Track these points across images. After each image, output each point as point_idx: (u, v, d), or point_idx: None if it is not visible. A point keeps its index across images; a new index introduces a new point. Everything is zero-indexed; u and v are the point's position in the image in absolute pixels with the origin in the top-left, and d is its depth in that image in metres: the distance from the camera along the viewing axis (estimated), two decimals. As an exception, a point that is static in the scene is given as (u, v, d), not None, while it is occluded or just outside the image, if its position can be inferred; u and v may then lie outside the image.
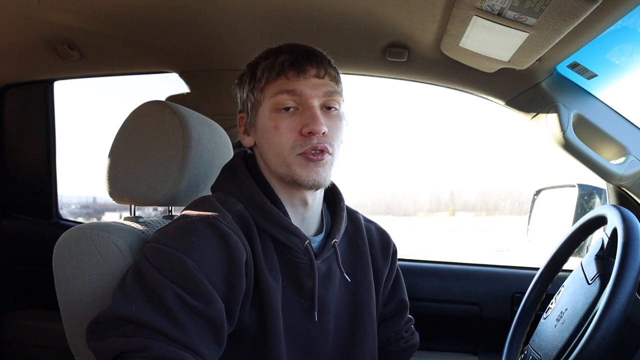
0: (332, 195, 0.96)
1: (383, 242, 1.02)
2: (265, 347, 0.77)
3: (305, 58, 0.82)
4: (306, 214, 0.88)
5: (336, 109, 0.85)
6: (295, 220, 0.86)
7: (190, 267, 0.69)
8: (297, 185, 0.82)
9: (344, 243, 0.94)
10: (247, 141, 0.89)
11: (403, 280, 1.06)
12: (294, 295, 0.83)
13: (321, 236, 0.90)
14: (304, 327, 0.83)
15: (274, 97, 0.82)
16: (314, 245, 0.87)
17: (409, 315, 1.08)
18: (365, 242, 0.98)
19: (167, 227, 0.77)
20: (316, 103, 0.82)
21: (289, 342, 0.81)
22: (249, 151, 0.93)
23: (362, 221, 1.01)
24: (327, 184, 0.85)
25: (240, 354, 0.78)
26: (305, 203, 0.87)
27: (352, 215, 1.00)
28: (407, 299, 1.06)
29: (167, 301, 0.66)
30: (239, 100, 0.91)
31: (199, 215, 0.76)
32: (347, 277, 0.89)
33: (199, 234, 0.73)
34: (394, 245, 1.04)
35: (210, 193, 1.00)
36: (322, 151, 0.82)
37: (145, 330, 0.65)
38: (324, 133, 0.80)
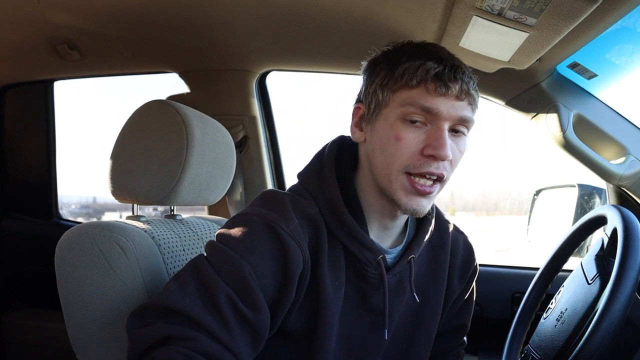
0: None
1: (465, 260, 0.94)
2: (310, 353, 0.76)
3: (452, 72, 0.73)
4: (389, 224, 0.83)
5: (464, 134, 0.77)
6: (375, 228, 0.82)
7: (247, 272, 0.68)
8: (394, 205, 0.76)
9: (423, 256, 0.89)
10: (358, 136, 0.81)
11: (473, 305, 1.00)
12: (357, 307, 0.80)
13: (399, 248, 0.84)
14: (362, 340, 0.80)
15: (404, 106, 0.73)
16: (390, 256, 0.82)
17: (464, 339, 1.02)
18: (447, 258, 0.91)
19: (231, 225, 0.74)
20: (447, 126, 0.74)
21: (342, 352, 0.79)
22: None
23: (450, 232, 0.93)
24: (426, 212, 0.78)
25: (278, 355, 0.78)
26: (393, 217, 0.81)
27: (442, 224, 0.92)
28: (468, 324, 0.99)
29: (221, 303, 0.66)
30: (362, 87, 0.82)
31: (264, 217, 0.73)
32: (416, 296, 0.83)
33: (260, 237, 0.71)
34: (476, 265, 0.96)
35: (214, 192, 0.99)
36: (435, 182, 0.75)
37: (194, 325, 0.65)
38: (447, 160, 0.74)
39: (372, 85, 0.79)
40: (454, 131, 0.76)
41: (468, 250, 0.96)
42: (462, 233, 0.97)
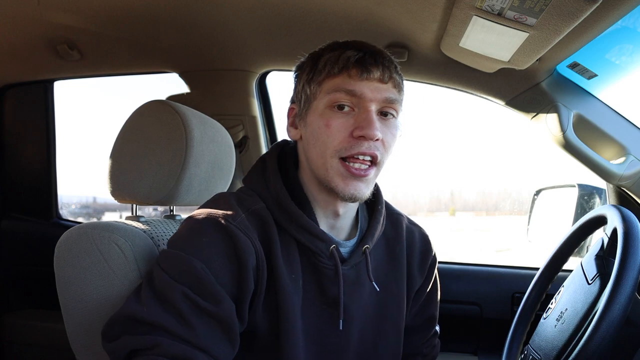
0: (372, 196, 0.87)
1: (423, 251, 0.96)
2: (279, 351, 0.76)
3: (372, 58, 0.77)
4: (336, 223, 0.84)
5: (393, 116, 0.80)
6: (324, 223, 0.83)
7: (198, 268, 0.69)
8: (333, 194, 0.78)
9: (380, 249, 0.90)
10: (293, 134, 0.85)
11: (438, 294, 1.01)
12: (316, 301, 0.80)
13: (354, 241, 0.86)
14: (323, 335, 0.81)
15: (331, 94, 0.77)
16: (345, 250, 0.84)
17: (436, 329, 1.03)
18: (403, 249, 0.92)
19: (180, 228, 0.77)
20: (374, 107, 0.77)
21: (308, 347, 0.79)
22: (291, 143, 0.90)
23: (404, 225, 0.95)
24: (366, 198, 0.80)
25: (251, 356, 0.78)
26: (336, 214, 0.83)
27: (395, 217, 0.95)
28: (437, 314, 1.01)
29: (177, 302, 0.67)
30: (293, 89, 0.86)
31: (209, 215, 0.75)
32: (375, 286, 0.84)
33: (208, 234, 0.73)
34: (434, 255, 0.98)
35: (213, 192, 0.99)
36: (369, 166, 0.77)
37: (156, 330, 0.66)
38: (377, 139, 0.76)
39: (300, 83, 0.83)
40: (382, 114, 0.79)
41: (424, 241, 0.97)
42: (416, 225, 0.99)
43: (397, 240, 0.93)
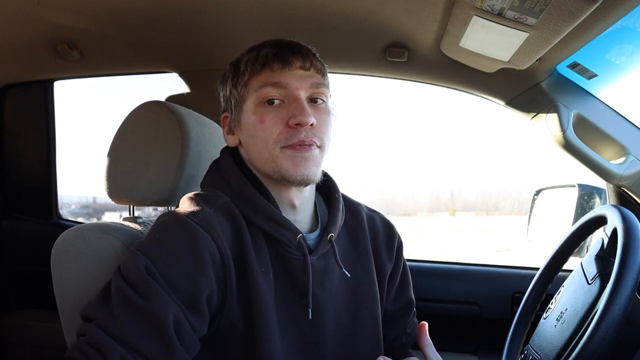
0: (327, 187, 0.92)
1: (387, 235, 0.97)
2: (256, 346, 0.75)
3: (290, 50, 0.81)
4: (295, 217, 0.85)
5: (323, 101, 0.83)
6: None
7: (140, 265, 0.69)
8: (285, 181, 0.80)
9: (343, 237, 0.91)
10: (232, 140, 0.87)
11: (410, 276, 1.03)
12: (288, 292, 0.80)
13: (317, 232, 0.87)
14: (298, 325, 0.81)
15: (258, 90, 0.80)
16: (310, 242, 0.84)
17: (414, 309, 1.04)
18: (366, 235, 0.93)
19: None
20: (303, 95, 0.79)
21: (286, 342, 0.79)
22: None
23: (364, 213, 0.97)
24: (317, 179, 0.82)
25: (232, 353, 0.77)
26: (292, 206, 0.84)
27: (353, 207, 0.96)
28: (413, 296, 1.03)
29: (114, 297, 0.69)
30: (222, 99, 0.89)
31: (171, 214, 0.76)
32: (346, 272, 0.84)
33: (164, 233, 0.73)
34: (399, 238, 0.99)
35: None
36: (310, 145, 0.79)
37: (91, 323, 0.68)
38: (312, 125, 0.78)
39: (227, 91, 0.85)
40: (313, 101, 0.81)
41: (387, 226, 0.98)
42: (376, 212, 1.00)
43: (359, 228, 0.93)
